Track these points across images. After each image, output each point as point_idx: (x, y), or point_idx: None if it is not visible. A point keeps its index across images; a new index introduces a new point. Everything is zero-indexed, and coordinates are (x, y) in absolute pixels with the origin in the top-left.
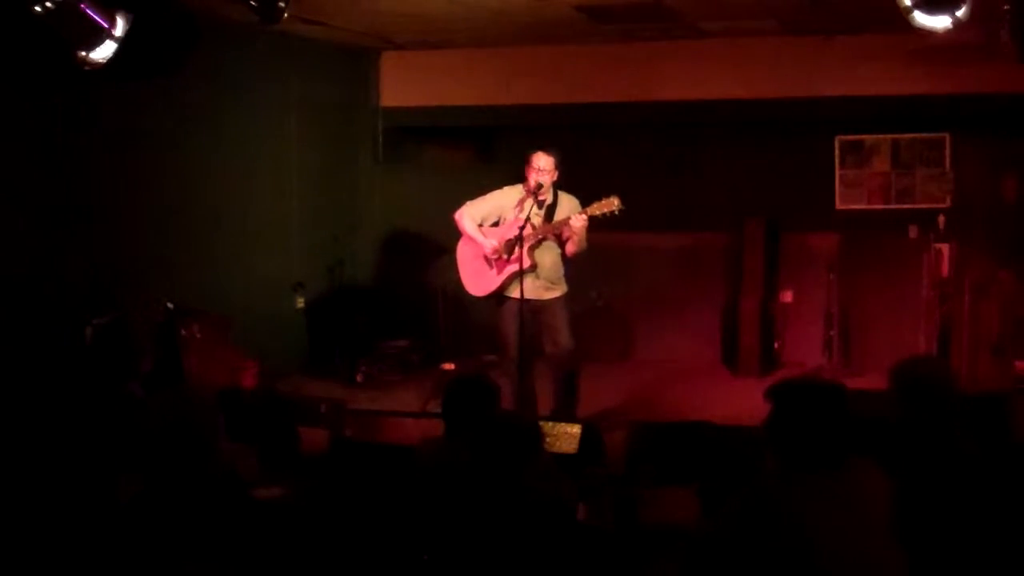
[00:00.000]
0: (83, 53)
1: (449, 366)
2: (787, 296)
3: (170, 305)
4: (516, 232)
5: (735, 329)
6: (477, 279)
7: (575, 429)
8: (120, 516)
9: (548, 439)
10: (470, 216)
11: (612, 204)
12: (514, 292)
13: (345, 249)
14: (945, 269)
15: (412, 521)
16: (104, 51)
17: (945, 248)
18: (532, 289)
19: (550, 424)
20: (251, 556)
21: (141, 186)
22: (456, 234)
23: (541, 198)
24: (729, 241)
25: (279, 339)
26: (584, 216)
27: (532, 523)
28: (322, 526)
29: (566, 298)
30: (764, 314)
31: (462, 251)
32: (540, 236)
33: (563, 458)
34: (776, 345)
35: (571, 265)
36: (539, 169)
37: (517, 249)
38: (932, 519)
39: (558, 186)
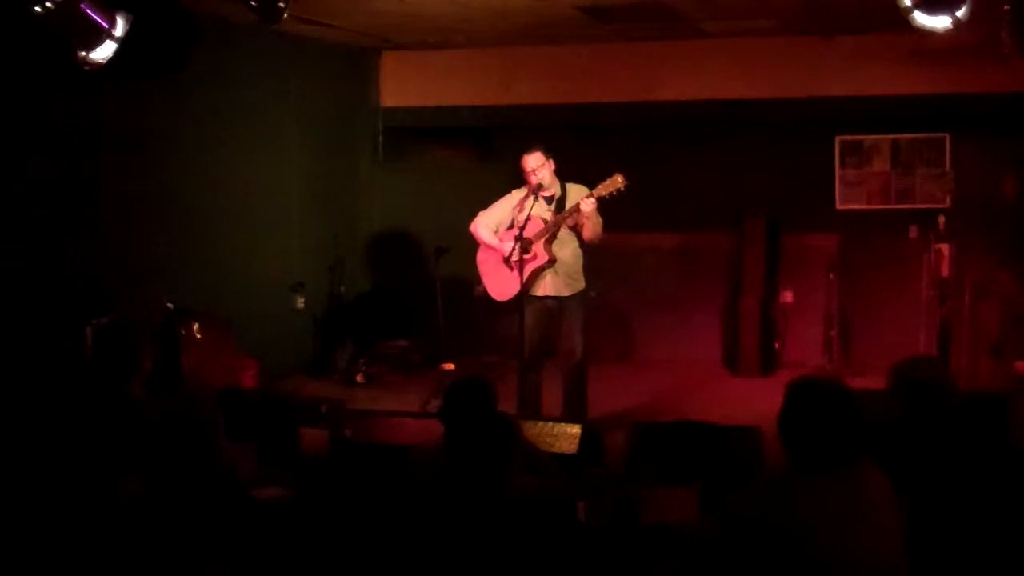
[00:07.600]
0: (83, 53)
1: (449, 366)
2: (787, 296)
3: (170, 305)
4: (526, 232)
5: (735, 329)
6: (500, 285)
7: (575, 429)
8: (120, 516)
9: (548, 439)
10: (484, 225)
11: (617, 182)
12: (536, 290)
13: (345, 249)
14: (945, 269)
15: (409, 524)
16: (104, 51)
17: (945, 248)
18: (553, 285)
19: (550, 424)
20: (251, 556)
21: (141, 186)
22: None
23: (547, 195)
24: (729, 241)
25: (279, 339)
26: (591, 199)
27: (523, 521)
28: (322, 526)
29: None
30: (764, 314)
31: (482, 260)
32: (553, 228)
33: (563, 458)
34: (776, 345)
35: None
36: (529, 170)
37: (532, 246)
38: (931, 519)
39: (564, 178)
